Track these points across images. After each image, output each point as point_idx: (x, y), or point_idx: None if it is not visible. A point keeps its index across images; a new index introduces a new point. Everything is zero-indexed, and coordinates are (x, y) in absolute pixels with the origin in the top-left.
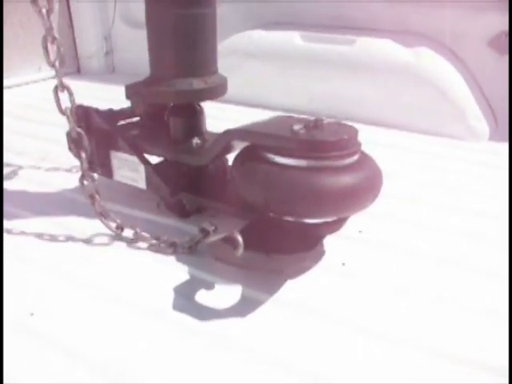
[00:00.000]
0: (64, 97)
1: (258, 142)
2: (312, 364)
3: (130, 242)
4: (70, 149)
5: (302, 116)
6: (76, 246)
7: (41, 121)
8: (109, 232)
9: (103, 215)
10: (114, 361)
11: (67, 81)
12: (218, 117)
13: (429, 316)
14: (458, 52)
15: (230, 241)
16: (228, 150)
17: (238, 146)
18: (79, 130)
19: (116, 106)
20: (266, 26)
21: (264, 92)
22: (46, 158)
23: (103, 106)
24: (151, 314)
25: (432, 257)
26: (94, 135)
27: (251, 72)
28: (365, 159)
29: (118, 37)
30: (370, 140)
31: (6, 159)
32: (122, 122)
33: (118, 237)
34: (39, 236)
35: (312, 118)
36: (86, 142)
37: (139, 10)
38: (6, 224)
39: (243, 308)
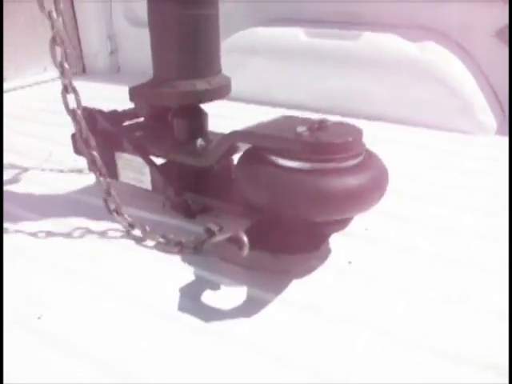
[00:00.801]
0: (70, 98)
1: (262, 144)
2: (318, 362)
3: (139, 240)
4: (75, 150)
5: (308, 115)
6: (83, 244)
7: (45, 122)
8: (115, 231)
9: (117, 211)
10: (119, 360)
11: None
12: (223, 115)
13: (434, 315)
14: (466, 45)
15: (235, 241)
16: (232, 151)
17: (243, 147)
18: (86, 130)
19: (121, 106)
20: (269, 23)
21: (269, 89)
22: (48, 159)
23: (109, 106)
24: (157, 313)
25: (439, 256)
26: (98, 137)
27: (256, 69)
28: (370, 159)
29: (122, 36)
30: (377, 136)
31: (10, 160)
32: (126, 123)
33: (126, 235)
34: (46, 236)
35: (317, 119)
36: (93, 141)
37: (143, 9)
38: (12, 225)
39: (249, 308)
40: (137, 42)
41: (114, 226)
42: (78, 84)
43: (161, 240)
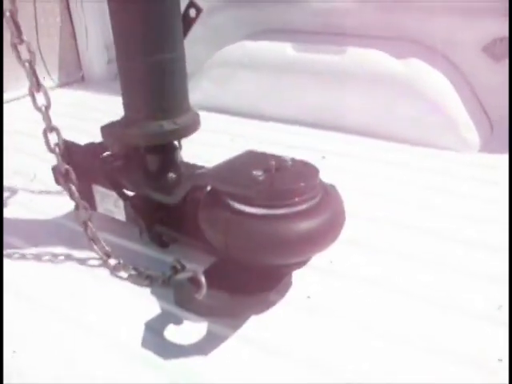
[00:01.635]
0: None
1: (219, 188)
2: None
3: (113, 271)
4: (56, 181)
5: (295, 128)
6: (61, 274)
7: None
8: (93, 260)
9: (94, 241)
10: None
11: (71, 90)
12: (211, 129)
13: (395, 355)
14: (452, 58)
15: (193, 281)
16: (196, 190)
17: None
18: (66, 166)
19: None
20: (258, 36)
21: (257, 102)
22: (34, 179)
23: (106, 115)
24: (121, 347)
25: (406, 290)
26: (76, 170)
27: (244, 82)
28: (326, 200)
29: None
30: (357, 154)
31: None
32: (102, 155)
33: (103, 264)
34: (25, 263)
35: (277, 159)
36: (73, 176)
37: None
38: None
39: (207, 344)
40: None
41: (92, 254)
42: (78, 94)
43: (133, 272)
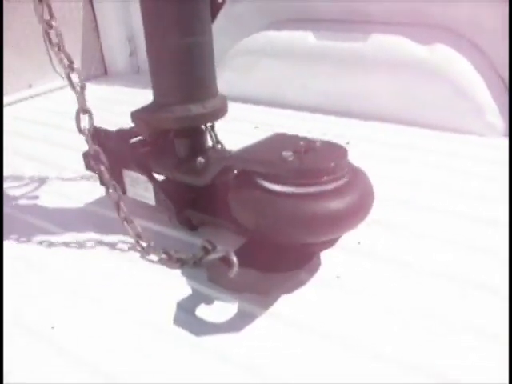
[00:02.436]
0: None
1: (249, 168)
2: (305, 380)
3: (144, 254)
4: (87, 167)
5: (318, 116)
6: (93, 257)
7: (66, 128)
8: (123, 244)
9: (127, 221)
10: (113, 371)
11: (95, 84)
12: (237, 118)
13: (423, 336)
14: (478, 42)
15: (225, 261)
16: (226, 171)
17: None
18: (96, 147)
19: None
20: (280, 25)
21: (280, 90)
22: (67, 168)
23: (131, 108)
24: (153, 327)
25: (433, 272)
26: (106, 155)
27: (267, 71)
28: (355, 179)
29: (141, 37)
30: (383, 140)
31: (29, 168)
32: (132, 140)
33: (134, 245)
34: (58, 248)
35: (306, 139)
36: (103, 156)
37: None
38: (27, 236)
39: (239, 322)
40: None
41: (122, 238)
42: (101, 87)
43: (163, 256)
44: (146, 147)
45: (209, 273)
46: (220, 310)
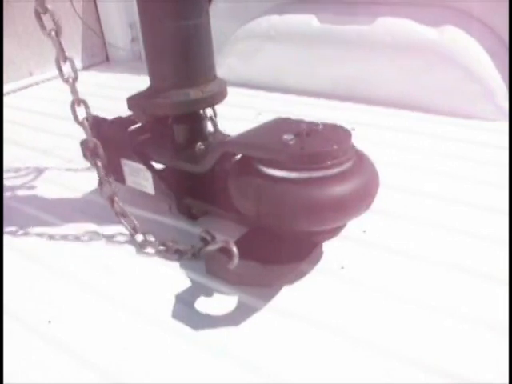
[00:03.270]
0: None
1: (249, 154)
2: (306, 374)
3: (141, 247)
4: (84, 156)
5: (322, 101)
6: (91, 249)
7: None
8: (122, 236)
9: (123, 215)
10: (111, 364)
11: (96, 71)
12: (240, 103)
13: (428, 328)
14: (490, 24)
15: (225, 251)
16: (227, 158)
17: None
18: (94, 139)
19: None
20: (283, 8)
21: (284, 75)
22: (73, 160)
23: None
24: (151, 319)
25: (441, 262)
26: (105, 144)
27: (270, 56)
28: (359, 164)
29: None
30: (389, 125)
31: (29, 157)
32: (131, 128)
33: (130, 240)
34: (57, 239)
35: (309, 123)
36: (101, 150)
37: None
38: (27, 227)
39: (239, 316)
40: None
41: (121, 230)
42: (103, 74)
43: (161, 248)
44: (145, 135)
45: (207, 265)
46: (219, 302)
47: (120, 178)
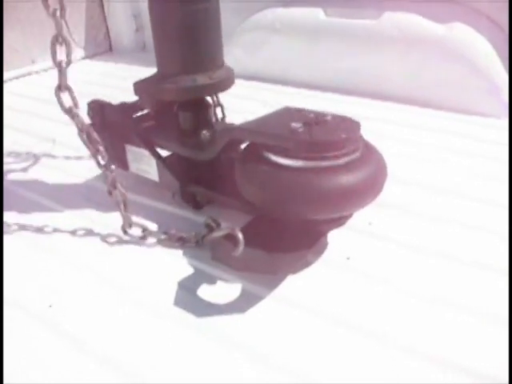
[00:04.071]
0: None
1: (256, 141)
2: (309, 364)
3: (141, 239)
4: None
5: (328, 95)
6: (91, 237)
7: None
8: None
9: (124, 205)
10: (114, 353)
11: (100, 61)
12: (245, 96)
13: (433, 320)
14: (498, 19)
15: (230, 238)
16: (233, 145)
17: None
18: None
19: None
20: (289, 1)
21: (290, 68)
22: (76, 147)
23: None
24: (153, 308)
25: (446, 256)
26: (108, 129)
27: (276, 48)
28: (367, 154)
29: (147, 14)
30: (395, 120)
31: (29, 145)
32: (135, 115)
33: (133, 228)
34: (57, 226)
35: (317, 112)
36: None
37: None
38: (24, 212)
39: (242, 304)
40: None
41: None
42: (106, 64)
43: (162, 237)
44: (150, 121)
45: (212, 251)
46: (223, 290)
47: (123, 164)
